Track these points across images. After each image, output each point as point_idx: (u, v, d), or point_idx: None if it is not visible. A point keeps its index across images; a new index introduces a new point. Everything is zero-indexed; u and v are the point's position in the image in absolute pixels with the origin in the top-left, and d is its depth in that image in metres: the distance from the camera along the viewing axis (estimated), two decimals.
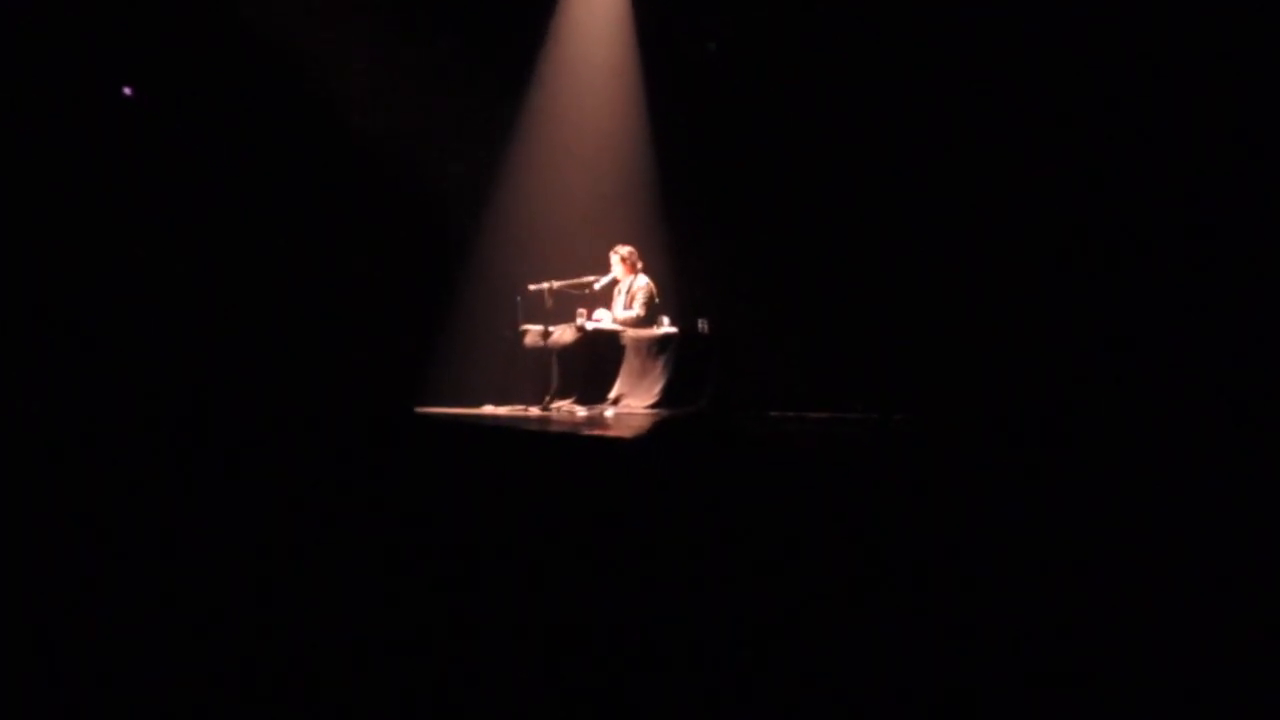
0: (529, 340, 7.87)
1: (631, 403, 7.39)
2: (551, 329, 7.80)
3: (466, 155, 8.58)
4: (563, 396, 7.57)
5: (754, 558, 2.42)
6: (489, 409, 7.50)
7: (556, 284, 7.86)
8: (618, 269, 7.98)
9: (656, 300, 7.98)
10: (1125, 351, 6.30)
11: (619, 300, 8.08)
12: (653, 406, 7.23)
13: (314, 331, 7.44)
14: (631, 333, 7.71)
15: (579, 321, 7.74)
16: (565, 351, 7.63)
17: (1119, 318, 6.46)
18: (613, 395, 7.50)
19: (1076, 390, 6.41)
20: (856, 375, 7.84)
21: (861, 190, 8.09)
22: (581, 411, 7.29)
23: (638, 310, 7.89)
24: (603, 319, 7.92)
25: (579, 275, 7.95)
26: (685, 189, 8.87)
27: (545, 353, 7.72)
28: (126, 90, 6.61)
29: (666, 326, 7.80)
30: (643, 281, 7.99)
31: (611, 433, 4.54)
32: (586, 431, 4.66)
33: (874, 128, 7.94)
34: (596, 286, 7.94)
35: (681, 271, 8.64)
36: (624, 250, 7.99)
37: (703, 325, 7.61)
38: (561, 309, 7.86)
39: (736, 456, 3.19)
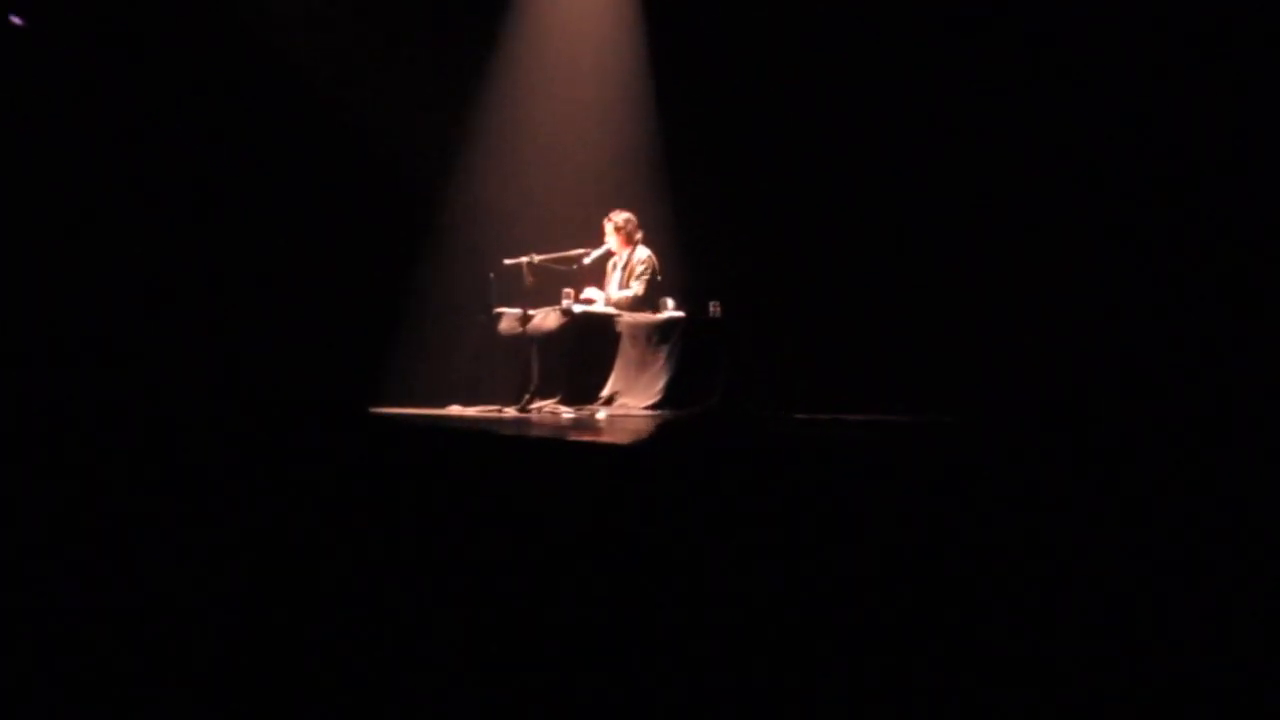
0: (504, 326, 7.30)
1: (628, 402, 6.93)
2: (532, 312, 7.21)
3: (432, 112, 8.12)
4: (545, 395, 7.08)
5: (772, 587, 2.36)
6: (456, 410, 7.03)
7: (538, 258, 7.25)
8: (612, 240, 7.40)
9: (659, 278, 7.40)
10: (1176, 349, 6.46)
11: (614, 277, 7.50)
12: (654, 407, 6.78)
13: (251, 321, 7.09)
14: (629, 317, 7.17)
15: (565, 303, 7.13)
16: (548, 339, 7.13)
17: (1173, 313, 6.56)
18: (605, 393, 7.01)
19: (1144, 393, 6.46)
20: (896, 369, 7.59)
21: (902, 154, 7.82)
22: (568, 413, 6.83)
23: (636, 289, 7.33)
24: (594, 300, 7.38)
25: (566, 248, 7.38)
26: (693, 149, 8.37)
27: (524, 341, 7.22)
28: (15, 19, 6.33)
29: (671, 310, 7.31)
30: (643, 255, 7.41)
31: (604, 438, 4.41)
32: (573, 437, 4.51)
33: (920, 83, 7.72)
34: (587, 261, 7.34)
35: (690, 245, 8.11)
36: (620, 217, 7.38)
37: (714, 308, 7.14)
38: (544, 289, 7.31)
39: (755, 468, 3.11)
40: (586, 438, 4.45)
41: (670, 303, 7.39)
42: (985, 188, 7.43)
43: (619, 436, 4.55)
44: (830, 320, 7.82)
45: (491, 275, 7.36)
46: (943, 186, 7.57)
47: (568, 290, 7.25)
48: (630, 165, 8.36)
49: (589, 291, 7.42)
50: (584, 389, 7.09)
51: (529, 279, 7.25)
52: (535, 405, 7.04)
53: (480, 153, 8.39)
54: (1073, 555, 2.29)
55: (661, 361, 7.00)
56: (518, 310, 7.33)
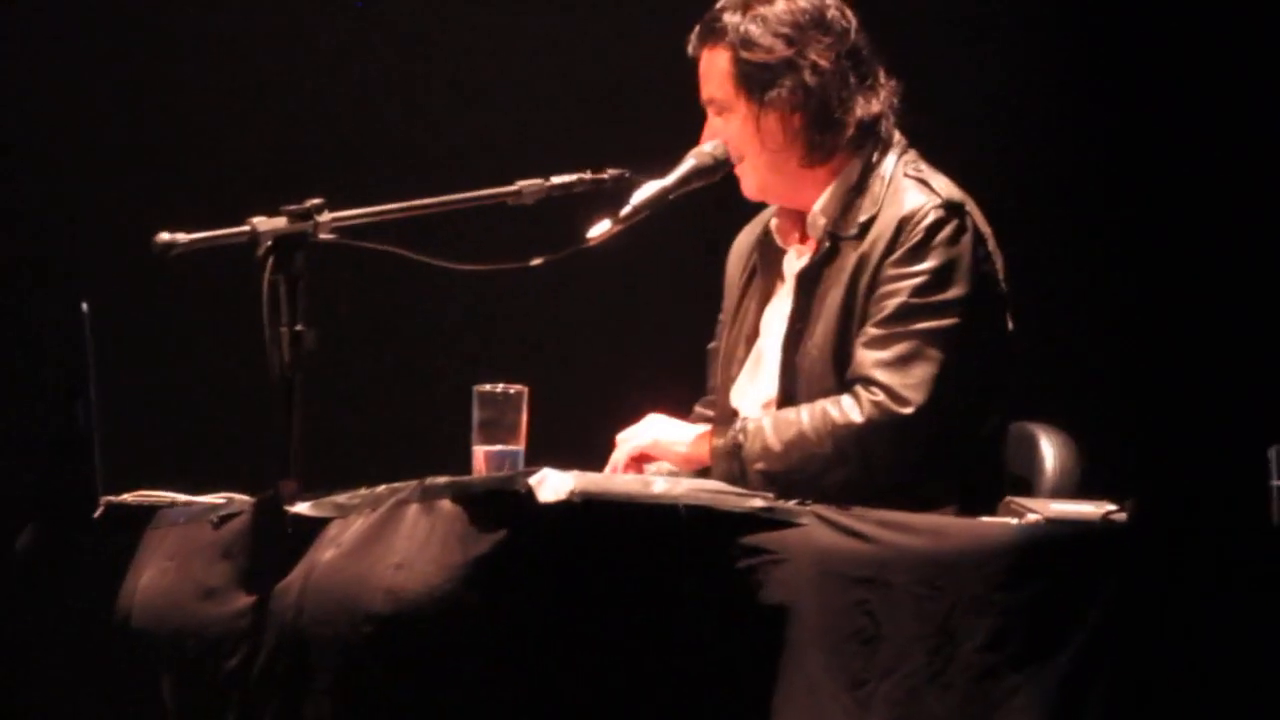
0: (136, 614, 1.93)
1: None
2: (341, 500, 1.68)
3: None
4: None
5: None
6: None
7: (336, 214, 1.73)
8: (732, 157, 1.94)
9: (1008, 321, 1.99)
10: None
11: (769, 323, 2.06)
12: None
13: None
14: (830, 531, 1.68)
15: (485, 453, 1.81)
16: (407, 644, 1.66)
17: None
18: None
19: None
20: None
21: None
22: None
23: (882, 383, 1.89)
24: (653, 450, 2.06)
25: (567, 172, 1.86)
26: None
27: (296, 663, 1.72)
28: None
29: (1075, 500, 1.92)
30: (923, 214, 1.90)
31: None
32: None
33: None
34: (595, 234, 1.90)
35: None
36: (768, 20, 1.89)
37: None
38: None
39: None
40: None
41: (1049, 454, 2.21)
42: None
43: None
44: None
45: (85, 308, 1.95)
46: None
47: (490, 388, 1.87)
48: None
49: (644, 427, 2.10)
50: None
51: (300, 345, 1.67)
52: None
53: None
54: None
55: None
56: (241, 501, 1.87)
